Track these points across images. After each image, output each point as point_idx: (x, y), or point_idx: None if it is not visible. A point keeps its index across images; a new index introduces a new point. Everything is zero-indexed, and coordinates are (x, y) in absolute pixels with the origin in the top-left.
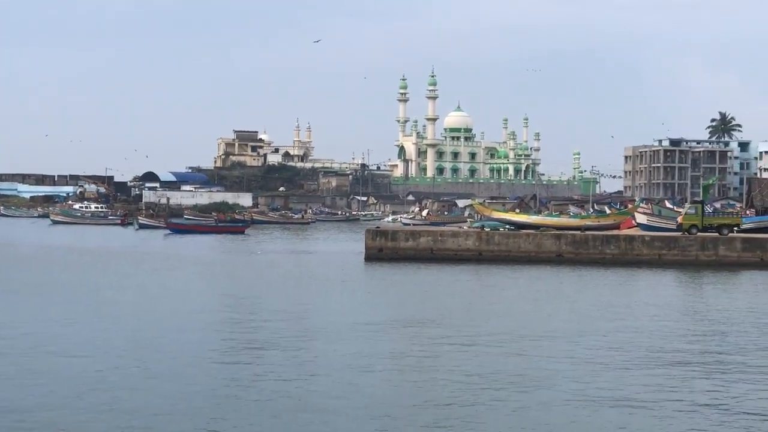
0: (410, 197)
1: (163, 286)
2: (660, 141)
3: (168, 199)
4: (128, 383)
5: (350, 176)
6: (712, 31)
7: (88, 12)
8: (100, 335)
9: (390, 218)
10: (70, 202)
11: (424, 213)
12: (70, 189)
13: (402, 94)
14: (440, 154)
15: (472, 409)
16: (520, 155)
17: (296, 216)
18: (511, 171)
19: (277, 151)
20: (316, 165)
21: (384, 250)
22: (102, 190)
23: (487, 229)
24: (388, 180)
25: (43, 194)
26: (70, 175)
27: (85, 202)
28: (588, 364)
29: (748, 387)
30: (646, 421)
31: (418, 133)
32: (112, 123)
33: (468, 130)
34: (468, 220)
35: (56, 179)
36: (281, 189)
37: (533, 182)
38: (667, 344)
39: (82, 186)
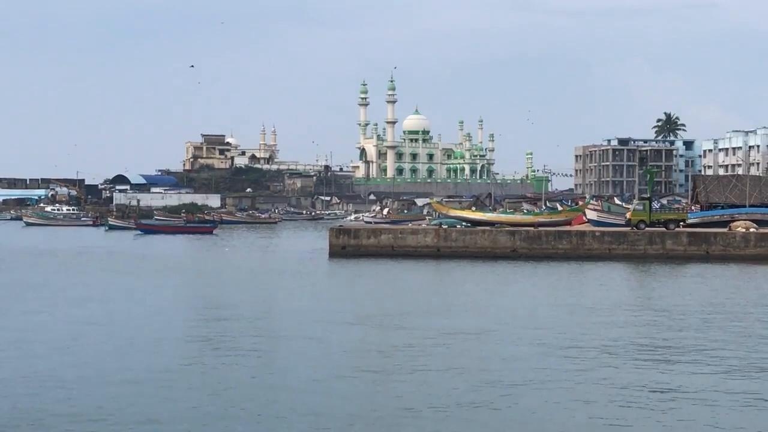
0: (372, 197)
1: (130, 285)
2: (609, 140)
3: (138, 200)
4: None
5: (314, 177)
6: (657, 34)
7: (58, 16)
8: (57, 333)
9: (352, 217)
10: (41, 204)
11: (385, 212)
12: (41, 192)
13: (362, 98)
14: (399, 156)
15: (431, 408)
16: (476, 156)
17: (263, 216)
18: (467, 171)
19: (243, 154)
20: (282, 167)
21: (347, 248)
22: (73, 192)
23: (444, 227)
24: (351, 181)
25: (15, 197)
26: (42, 179)
27: (57, 204)
28: (540, 350)
29: (691, 371)
30: (569, 402)
31: (378, 135)
32: (83, 127)
33: (426, 132)
34: (427, 218)
35: (28, 182)
36: (248, 190)
37: (488, 181)
38: (611, 334)
39: (54, 189)
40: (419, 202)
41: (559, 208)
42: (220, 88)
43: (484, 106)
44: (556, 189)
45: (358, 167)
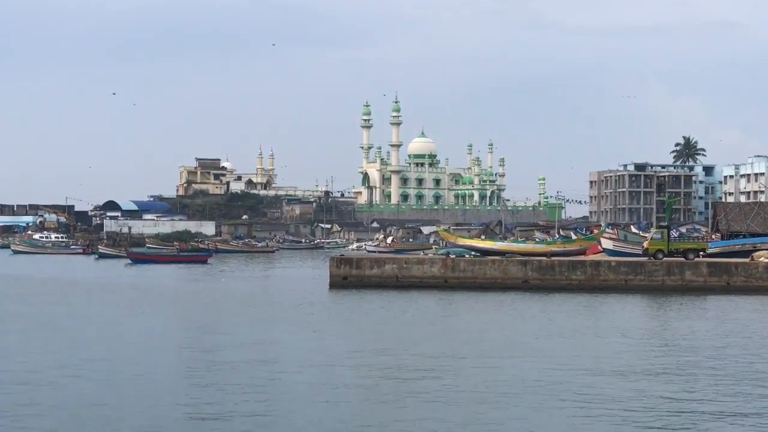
0: (375, 224)
1: (121, 316)
2: (625, 166)
3: (129, 228)
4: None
5: (314, 204)
6: (676, 56)
7: (46, 38)
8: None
9: (354, 246)
10: (29, 232)
11: (389, 240)
12: (29, 219)
13: (365, 120)
14: (404, 181)
15: None
16: (485, 181)
17: (260, 244)
18: (476, 197)
19: (239, 178)
20: (280, 192)
21: (349, 278)
22: (62, 219)
23: (452, 256)
24: (352, 207)
25: (2, 224)
26: (30, 205)
27: (45, 232)
28: (551, 387)
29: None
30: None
31: (382, 159)
32: (72, 151)
33: (432, 156)
34: (433, 247)
35: (15, 209)
36: (244, 217)
37: (498, 208)
38: (627, 367)
39: (42, 216)
40: (425, 230)
41: (573, 237)
42: (215, 108)
43: (494, 128)
44: (570, 216)
45: (360, 193)
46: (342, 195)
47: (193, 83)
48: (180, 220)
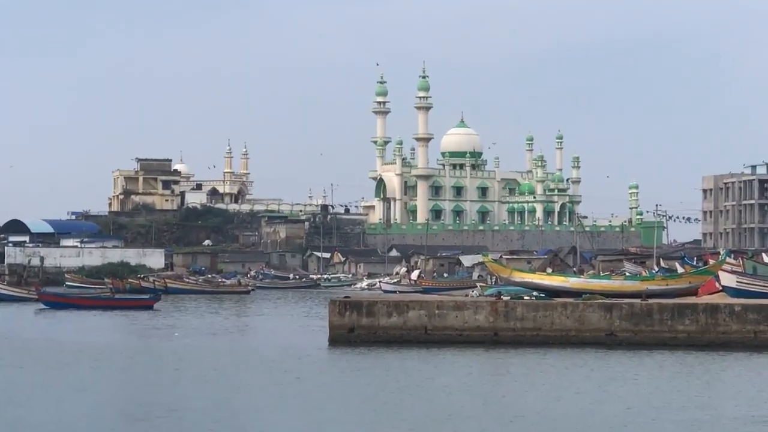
0: (394, 252)
1: (23, 392)
2: (753, 167)
3: (42, 258)
4: None
5: (306, 223)
6: None
7: None
8: None
9: (365, 283)
10: None
11: (414, 275)
12: None
13: (380, 103)
14: (436, 190)
15: None
16: (553, 190)
17: (229, 281)
18: (539, 213)
19: (199, 187)
20: (257, 207)
21: (357, 330)
22: None
23: (505, 298)
24: (361, 228)
25: None
26: None
27: None
28: None
29: None
30: None
31: (403, 159)
32: None
33: (476, 154)
34: (478, 285)
35: None
36: (207, 243)
37: (571, 229)
38: None
39: None
40: (466, 260)
41: (680, 270)
42: (162, 88)
43: (563, 115)
44: (675, 240)
45: (372, 208)
46: (346, 211)
47: (129, 53)
48: (114, 247)
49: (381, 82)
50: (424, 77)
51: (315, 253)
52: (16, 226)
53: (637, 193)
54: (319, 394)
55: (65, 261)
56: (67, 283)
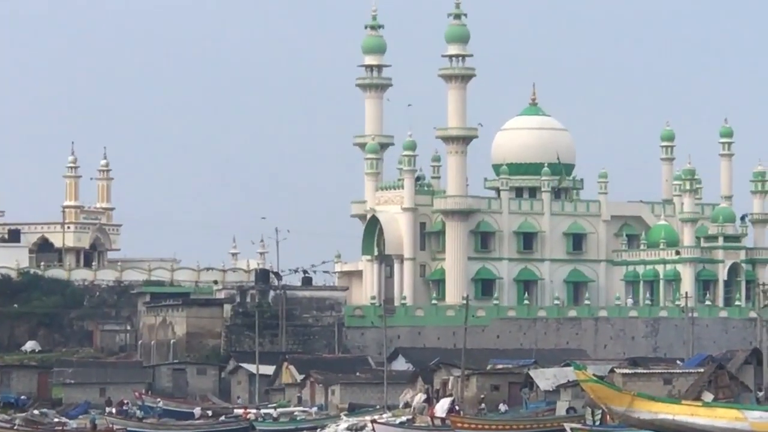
0: (400, 363)
1: None
2: None
3: None
4: None
5: (227, 306)
6: None
7: None
8: None
9: (343, 425)
10: None
11: (442, 408)
12: None
13: (369, 69)
14: (484, 239)
15: None
16: (715, 238)
17: (74, 423)
18: (687, 282)
19: (15, 237)
20: (130, 276)
21: None
22: None
23: None
24: (337, 316)
25: None
26: None
27: None
28: None
29: None
30: None
31: (418, 179)
32: None
33: (565, 168)
34: (567, 427)
35: None
36: (30, 346)
37: (752, 314)
38: None
39: None
40: (542, 379)
41: None
42: None
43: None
44: None
45: (357, 274)
46: (306, 281)
47: None
48: None
49: (374, 27)
50: (459, 18)
51: (243, 365)
52: None
53: None
54: None
55: None
56: None
